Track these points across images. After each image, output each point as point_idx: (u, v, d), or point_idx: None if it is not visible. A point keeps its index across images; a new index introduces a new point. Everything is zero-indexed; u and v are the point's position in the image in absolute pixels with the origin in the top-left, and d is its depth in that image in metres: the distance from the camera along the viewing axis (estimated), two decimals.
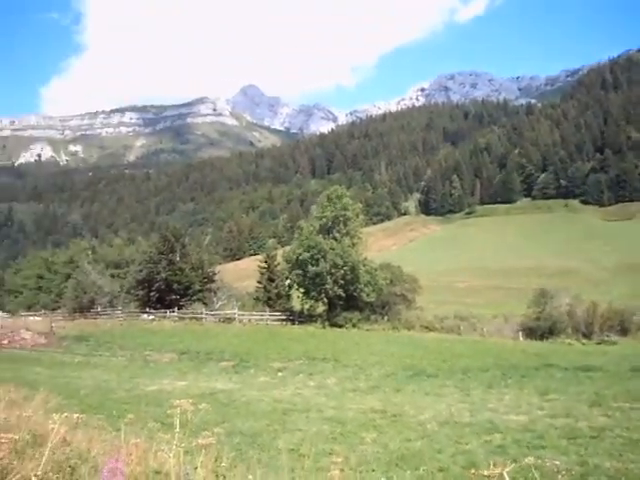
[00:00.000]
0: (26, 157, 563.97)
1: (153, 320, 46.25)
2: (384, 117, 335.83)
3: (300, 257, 44.65)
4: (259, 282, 52.32)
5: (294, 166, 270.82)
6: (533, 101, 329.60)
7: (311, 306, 47.06)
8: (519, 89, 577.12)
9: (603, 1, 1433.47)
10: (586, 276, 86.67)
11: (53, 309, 58.76)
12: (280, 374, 23.21)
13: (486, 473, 2.53)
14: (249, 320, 45.61)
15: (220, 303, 51.89)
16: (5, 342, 36.37)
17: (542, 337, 40.83)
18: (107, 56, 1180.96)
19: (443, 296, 68.28)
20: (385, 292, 45.78)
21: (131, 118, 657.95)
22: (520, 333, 41.76)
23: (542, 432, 12.17)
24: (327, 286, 43.57)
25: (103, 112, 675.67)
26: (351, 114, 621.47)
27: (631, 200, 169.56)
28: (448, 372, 22.17)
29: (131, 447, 3.79)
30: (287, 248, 54.80)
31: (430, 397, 17.15)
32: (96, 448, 4.60)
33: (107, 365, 27.14)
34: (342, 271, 43.26)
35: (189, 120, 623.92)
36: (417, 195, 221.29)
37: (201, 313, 46.90)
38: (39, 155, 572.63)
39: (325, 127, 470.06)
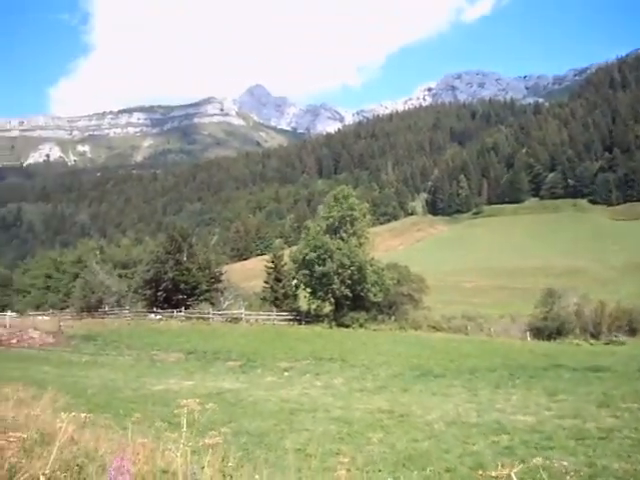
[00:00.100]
0: (35, 157, 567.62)
1: (160, 320, 46.40)
2: (391, 117, 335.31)
3: (307, 257, 44.66)
4: (266, 282, 52.38)
5: (301, 166, 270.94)
6: (541, 100, 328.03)
7: (318, 306, 47.05)
8: (526, 88, 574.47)
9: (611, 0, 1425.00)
10: (594, 276, 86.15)
11: (61, 308, 59.08)
12: (287, 374, 23.22)
13: (494, 474, 2.52)
14: (256, 320, 45.66)
15: (227, 303, 51.99)
16: (14, 341, 36.61)
17: (550, 337, 40.65)
18: (115, 56, 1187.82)
19: (450, 296, 68.10)
20: (392, 292, 45.72)
21: (139, 118, 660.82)
22: (528, 333, 41.59)
23: (550, 433, 12.10)
24: (334, 286, 43.55)
25: (111, 112, 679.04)
26: (358, 114, 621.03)
27: (639, 200, 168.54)
28: (455, 372, 22.09)
29: (138, 446, 3.80)
30: (294, 248, 54.81)
31: (437, 397, 17.10)
32: (103, 447, 4.62)
33: (114, 364, 27.25)
34: (349, 271, 43.23)
35: (196, 120, 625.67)
36: (424, 195, 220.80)
37: (208, 313, 47.01)
38: (47, 155, 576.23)
39: (332, 127, 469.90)
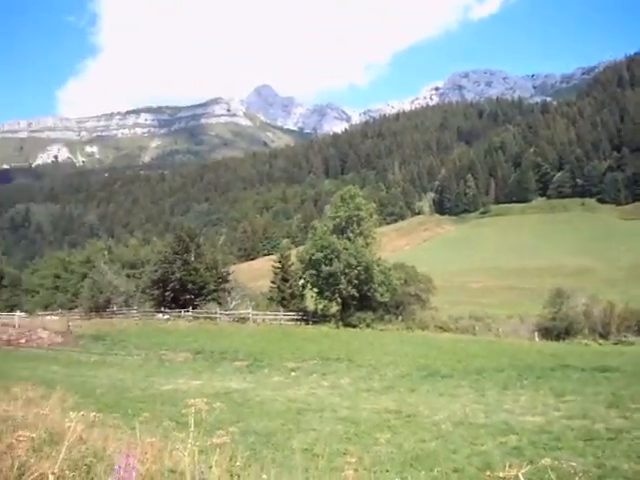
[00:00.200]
0: (43, 158, 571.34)
1: (168, 320, 46.56)
2: (398, 116, 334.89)
3: (314, 257, 44.66)
4: (273, 282, 52.44)
5: (308, 166, 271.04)
6: (548, 99, 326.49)
7: (325, 306, 47.05)
8: (534, 87, 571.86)
9: None
10: (603, 276, 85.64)
11: (70, 308, 59.36)
12: (294, 374, 23.23)
13: (502, 475, 2.51)
14: (263, 320, 45.73)
15: (234, 303, 52.08)
16: (23, 341, 36.85)
17: (558, 337, 40.44)
18: (122, 57, 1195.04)
19: (457, 296, 67.90)
20: (399, 292, 45.63)
21: (146, 119, 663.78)
22: (536, 333, 41.40)
23: (558, 433, 12.04)
24: (341, 286, 43.53)
25: (119, 113, 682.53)
26: (364, 114, 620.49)
27: None
28: (463, 372, 22.02)
29: (146, 446, 3.81)
30: (301, 248, 54.87)
31: (445, 397, 17.06)
32: (112, 447, 4.64)
33: (123, 364, 27.37)
34: (356, 271, 43.20)
35: (203, 121, 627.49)
36: (431, 195, 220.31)
37: (215, 313, 47.12)
38: (56, 156, 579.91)
39: (339, 127, 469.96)
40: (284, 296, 50.33)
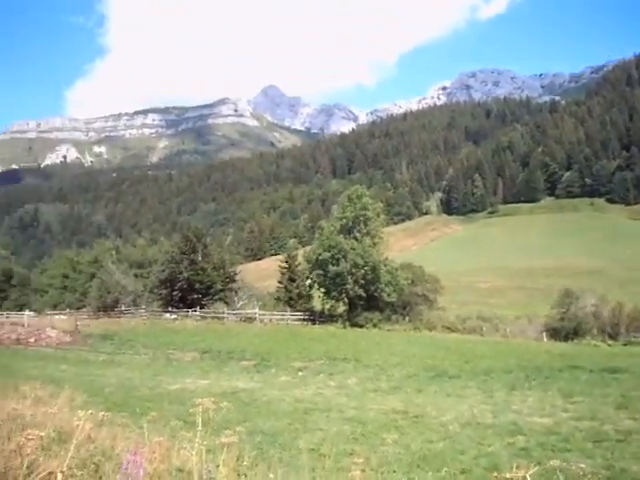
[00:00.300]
0: (52, 158, 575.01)
1: (175, 319, 46.72)
2: (405, 116, 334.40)
3: (320, 257, 44.66)
4: (280, 282, 52.49)
5: (315, 166, 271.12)
6: (557, 98, 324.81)
7: (332, 306, 47.04)
8: (542, 87, 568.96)
9: None
10: (612, 276, 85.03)
11: (78, 308, 59.68)
12: (301, 374, 23.23)
13: (509, 476, 2.50)
14: (270, 320, 45.78)
15: (241, 303, 52.18)
16: (32, 340, 37.08)
17: (567, 338, 40.25)
18: (130, 58, 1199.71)
19: (465, 296, 67.71)
20: (406, 292, 45.55)
21: (154, 119, 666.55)
22: (544, 334, 41.22)
23: (567, 435, 11.97)
24: (348, 286, 43.49)
25: (126, 114, 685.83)
26: (372, 113, 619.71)
27: None
28: (470, 373, 21.94)
29: (154, 445, 3.83)
30: (308, 248, 54.86)
31: (452, 398, 17.00)
32: (120, 445, 4.66)
33: (131, 363, 27.48)
34: (363, 271, 43.14)
35: (210, 121, 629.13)
36: (438, 194, 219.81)
37: (223, 312, 47.23)
38: (64, 156, 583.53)
39: (346, 127, 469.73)
40: (291, 296, 50.37)
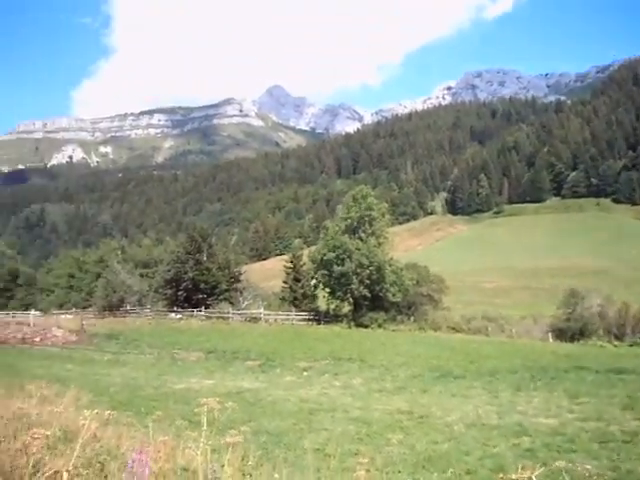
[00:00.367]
0: (58, 159, 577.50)
1: (181, 319, 46.83)
2: (410, 116, 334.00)
3: (325, 257, 44.66)
4: (285, 282, 52.52)
5: (320, 166, 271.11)
6: (562, 98, 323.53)
7: (337, 306, 47.03)
8: (548, 86, 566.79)
9: None
10: (618, 276, 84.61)
11: (84, 307, 59.88)
12: (306, 374, 23.23)
13: (514, 477, 2.49)
14: (275, 320, 45.81)
15: (246, 303, 52.26)
16: (37, 339, 37.24)
17: (572, 339, 40.07)
18: (135, 58, 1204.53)
19: (470, 296, 67.56)
20: (411, 292, 45.47)
21: (159, 120, 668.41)
22: (550, 334, 41.07)
23: (572, 436, 11.92)
24: (353, 286, 43.46)
25: (132, 114, 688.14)
26: (377, 113, 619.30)
27: None
28: (475, 374, 21.88)
29: (159, 444, 3.84)
30: (313, 248, 54.88)
31: (457, 399, 16.96)
32: (125, 445, 4.68)
33: (136, 363, 27.55)
34: (368, 271, 43.10)
35: (216, 121, 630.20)
36: (444, 194, 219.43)
37: (228, 312, 47.31)
38: (70, 157, 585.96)
39: (351, 127, 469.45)
40: (296, 296, 50.39)
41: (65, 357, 29.43)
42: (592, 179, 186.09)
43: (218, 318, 46.50)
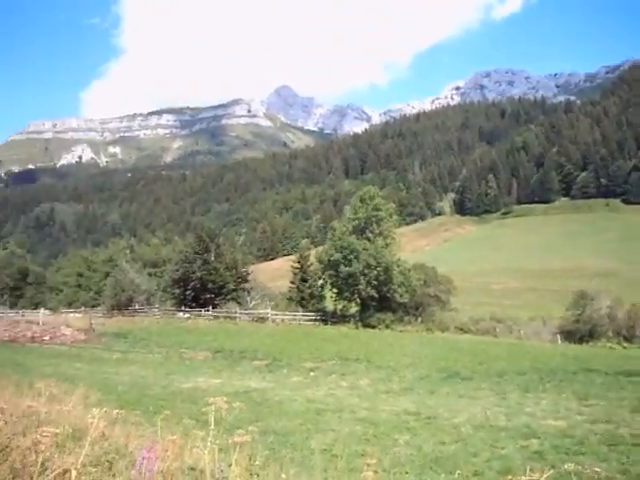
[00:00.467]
0: (67, 159, 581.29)
1: (188, 318, 46.98)
2: (418, 116, 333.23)
3: (333, 258, 44.64)
4: (292, 282, 52.57)
5: (327, 167, 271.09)
6: (572, 98, 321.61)
7: (344, 306, 47.02)
8: (557, 86, 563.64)
9: None
10: (627, 278, 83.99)
11: (92, 306, 60.19)
12: (313, 374, 23.22)
13: (523, 479, 2.48)
14: (282, 320, 45.85)
15: (254, 303, 52.37)
16: (47, 338, 37.44)
17: (581, 340, 39.86)
18: (144, 59, 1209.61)
19: (478, 297, 67.32)
20: (419, 293, 45.39)
21: (168, 120, 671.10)
22: (558, 336, 40.85)
23: (581, 438, 11.83)
24: (360, 287, 43.42)
25: (141, 114, 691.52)
26: (385, 114, 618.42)
27: None
28: (483, 375, 21.79)
29: (167, 443, 3.85)
30: (320, 248, 54.88)
31: (465, 400, 16.89)
32: (133, 443, 4.69)
33: (144, 362, 27.63)
34: (375, 272, 43.04)
35: (224, 122, 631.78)
36: (452, 195, 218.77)
37: (235, 312, 47.40)
38: (80, 157, 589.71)
39: (359, 127, 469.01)
40: (303, 296, 50.42)
41: (74, 356, 29.57)
42: (602, 179, 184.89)
43: (226, 318, 46.61)
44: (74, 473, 3.21)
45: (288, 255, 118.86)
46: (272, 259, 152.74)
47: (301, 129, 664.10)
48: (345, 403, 16.55)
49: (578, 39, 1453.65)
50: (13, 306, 64.94)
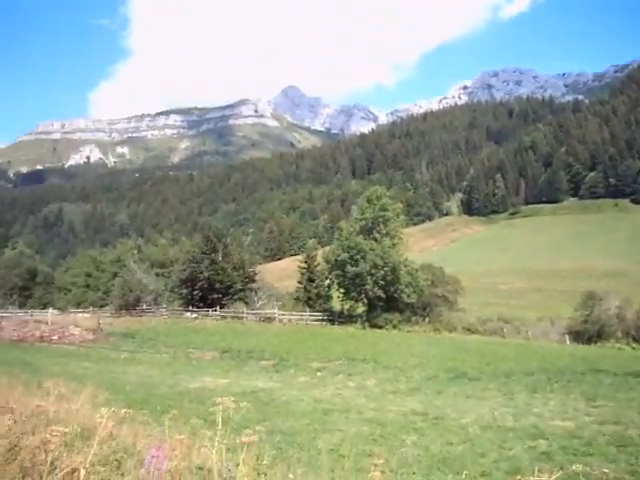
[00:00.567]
0: (76, 159, 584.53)
1: (196, 318, 47.11)
2: (425, 116, 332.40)
3: (339, 258, 44.61)
4: (299, 282, 52.58)
5: (334, 166, 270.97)
6: (580, 98, 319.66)
7: (351, 307, 46.97)
8: (565, 86, 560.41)
9: None
10: (636, 278, 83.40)
11: (101, 306, 60.51)
12: (320, 374, 23.22)
13: None
14: (289, 320, 45.86)
15: (261, 303, 52.43)
16: (55, 338, 37.65)
17: (590, 341, 39.61)
18: (152, 60, 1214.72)
19: (486, 298, 67.07)
20: (426, 293, 45.27)
21: (175, 120, 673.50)
22: (567, 336, 40.62)
23: (590, 439, 11.76)
24: (367, 287, 43.36)
25: (149, 115, 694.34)
26: (392, 114, 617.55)
27: None
28: (491, 375, 21.71)
29: (175, 442, 3.86)
30: (327, 248, 54.88)
31: (472, 400, 16.83)
32: (141, 443, 4.71)
33: (151, 361, 27.72)
34: (382, 272, 42.96)
35: (231, 122, 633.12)
36: (459, 195, 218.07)
37: (242, 312, 47.48)
38: (88, 157, 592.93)
39: (365, 127, 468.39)
40: (310, 296, 50.42)
41: (82, 355, 29.72)
42: (610, 179, 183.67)
43: (233, 318, 46.70)
44: (83, 472, 3.23)
45: (295, 255, 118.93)
46: (279, 259, 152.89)
47: (308, 129, 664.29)
48: (352, 403, 16.54)
49: (586, 38, 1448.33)
50: (22, 306, 65.35)
